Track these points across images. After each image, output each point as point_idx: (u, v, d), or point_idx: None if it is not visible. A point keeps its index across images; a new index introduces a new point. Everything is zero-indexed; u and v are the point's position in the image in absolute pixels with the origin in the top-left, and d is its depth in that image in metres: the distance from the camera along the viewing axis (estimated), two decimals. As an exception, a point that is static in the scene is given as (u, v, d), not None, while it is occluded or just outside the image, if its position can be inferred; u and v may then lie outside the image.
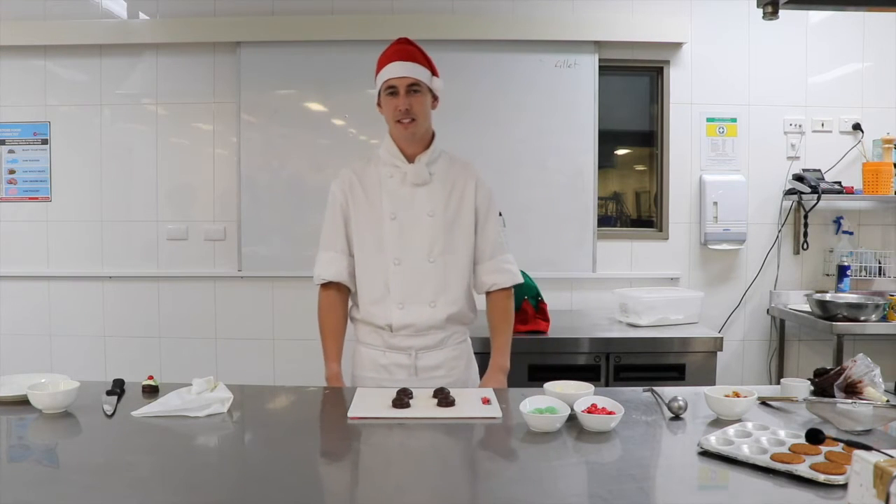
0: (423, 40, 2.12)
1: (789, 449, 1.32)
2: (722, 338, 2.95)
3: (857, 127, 3.63)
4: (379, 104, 2.06)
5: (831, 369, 1.76)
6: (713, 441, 1.39)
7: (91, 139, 3.72)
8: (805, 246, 3.63)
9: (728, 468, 1.31)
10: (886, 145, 3.50)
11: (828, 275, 3.66)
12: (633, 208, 3.94)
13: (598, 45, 3.60)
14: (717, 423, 1.57)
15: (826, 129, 3.66)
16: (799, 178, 3.57)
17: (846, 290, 3.47)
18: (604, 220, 3.81)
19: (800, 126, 3.66)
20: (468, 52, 3.57)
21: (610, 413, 1.54)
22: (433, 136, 2.09)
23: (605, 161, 3.79)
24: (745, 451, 1.33)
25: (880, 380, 1.69)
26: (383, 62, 2.01)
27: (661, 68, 3.68)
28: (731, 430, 1.45)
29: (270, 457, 1.42)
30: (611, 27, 3.57)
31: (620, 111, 3.83)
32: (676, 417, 1.62)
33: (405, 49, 2.01)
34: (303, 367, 3.60)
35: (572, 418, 1.55)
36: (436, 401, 1.71)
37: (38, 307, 3.76)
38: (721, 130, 3.67)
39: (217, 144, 3.71)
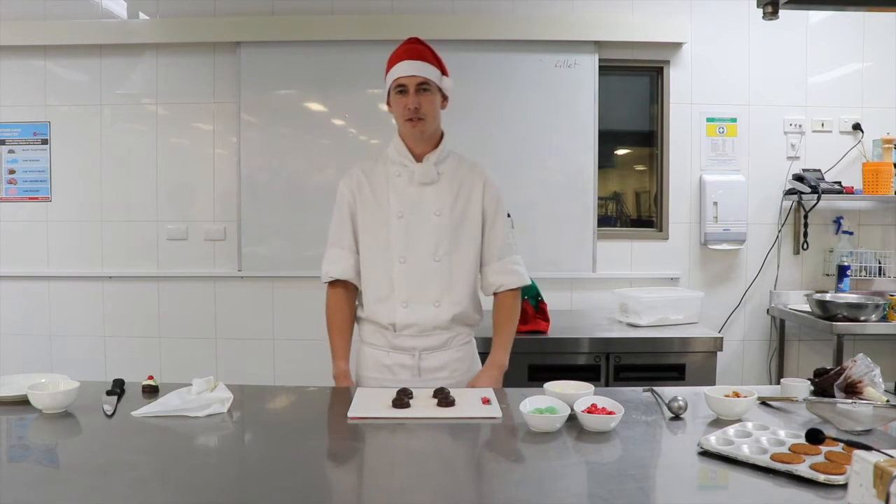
0: (424, 40, 2.12)
1: (789, 449, 1.32)
2: (722, 338, 2.95)
3: (857, 127, 3.63)
4: (388, 103, 2.07)
5: (831, 369, 1.76)
6: (713, 441, 1.39)
7: (91, 139, 3.72)
8: (805, 246, 3.63)
9: (728, 468, 1.31)
10: (886, 145, 3.50)
11: (828, 275, 3.66)
12: (633, 208, 3.94)
13: (598, 45, 3.60)
14: (717, 423, 1.57)
15: (826, 129, 3.66)
16: (799, 178, 3.57)
17: (846, 290, 3.47)
18: (604, 220, 3.81)
19: (800, 126, 3.66)
20: (468, 52, 3.56)
21: (610, 413, 1.54)
22: (442, 135, 2.09)
23: (605, 161, 3.79)
24: (745, 451, 1.33)
25: (880, 380, 1.69)
26: (393, 61, 2.02)
27: (661, 68, 3.68)
28: (731, 430, 1.45)
29: (270, 457, 1.42)
30: (611, 27, 3.57)
31: (620, 111, 3.83)
32: (676, 417, 1.62)
33: (416, 48, 2.01)
34: (303, 367, 3.61)
35: (572, 418, 1.55)
36: (436, 401, 1.70)
37: (38, 307, 3.76)
38: (721, 130, 3.67)
39: (217, 144, 3.71)
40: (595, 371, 2.86)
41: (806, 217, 3.61)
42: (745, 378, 3.69)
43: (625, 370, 2.87)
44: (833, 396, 1.67)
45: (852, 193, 3.54)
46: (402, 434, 1.58)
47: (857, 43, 3.65)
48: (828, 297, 3.28)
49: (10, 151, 3.75)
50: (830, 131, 3.66)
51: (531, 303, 2.91)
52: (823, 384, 1.73)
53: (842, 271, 3.50)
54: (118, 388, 1.79)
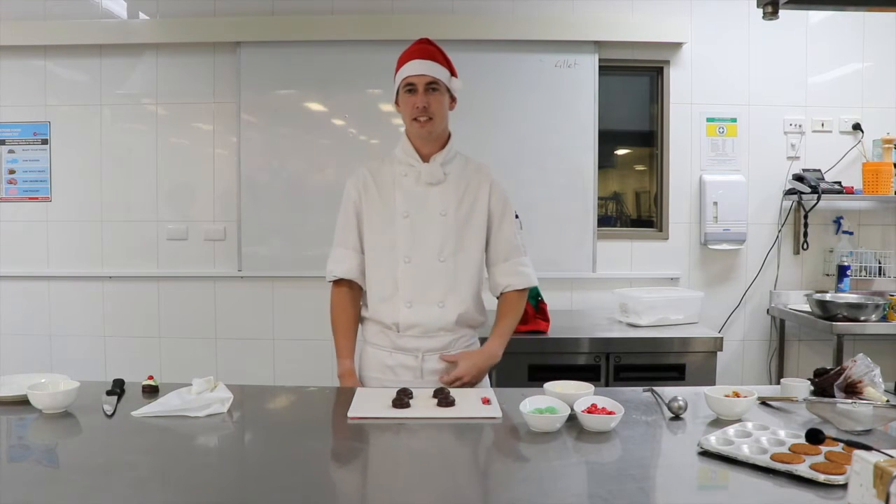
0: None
1: (789, 449, 1.32)
2: (722, 338, 2.95)
3: (857, 127, 3.63)
4: (397, 102, 2.07)
5: (831, 369, 1.76)
6: (713, 441, 1.39)
7: (91, 139, 3.71)
8: (805, 246, 3.63)
9: (728, 468, 1.31)
10: (886, 145, 3.50)
11: (828, 275, 3.66)
12: (633, 208, 3.94)
13: (598, 45, 3.60)
14: (717, 423, 1.57)
15: (826, 129, 3.66)
16: (799, 178, 3.57)
17: (846, 290, 3.47)
18: (604, 220, 3.81)
19: (800, 126, 3.66)
20: (468, 52, 3.56)
21: (610, 413, 1.54)
22: (449, 136, 2.10)
23: (605, 161, 3.79)
24: (745, 451, 1.33)
25: (880, 380, 1.69)
26: (403, 60, 2.02)
27: (661, 68, 3.68)
28: (731, 430, 1.45)
29: (270, 457, 1.42)
30: (611, 27, 3.57)
31: (620, 111, 3.83)
32: (676, 417, 1.62)
33: (425, 48, 2.02)
34: (303, 367, 3.62)
35: (572, 418, 1.55)
36: (436, 401, 1.71)
37: (38, 307, 3.76)
38: (721, 130, 3.67)
39: (217, 144, 3.71)
40: (595, 371, 2.86)
41: (806, 217, 3.61)
42: (745, 378, 3.69)
43: (625, 370, 2.87)
44: (833, 396, 1.67)
45: (852, 193, 3.54)
46: (403, 434, 1.58)
47: (857, 43, 3.65)
48: (828, 297, 3.28)
49: (10, 151, 3.75)
50: (830, 131, 3.66)
51: (531, 303, 2.91)
52: (823, 384, 1.73)
53: (842, 271, 3.50)
54: (118, 388, 1.79)
